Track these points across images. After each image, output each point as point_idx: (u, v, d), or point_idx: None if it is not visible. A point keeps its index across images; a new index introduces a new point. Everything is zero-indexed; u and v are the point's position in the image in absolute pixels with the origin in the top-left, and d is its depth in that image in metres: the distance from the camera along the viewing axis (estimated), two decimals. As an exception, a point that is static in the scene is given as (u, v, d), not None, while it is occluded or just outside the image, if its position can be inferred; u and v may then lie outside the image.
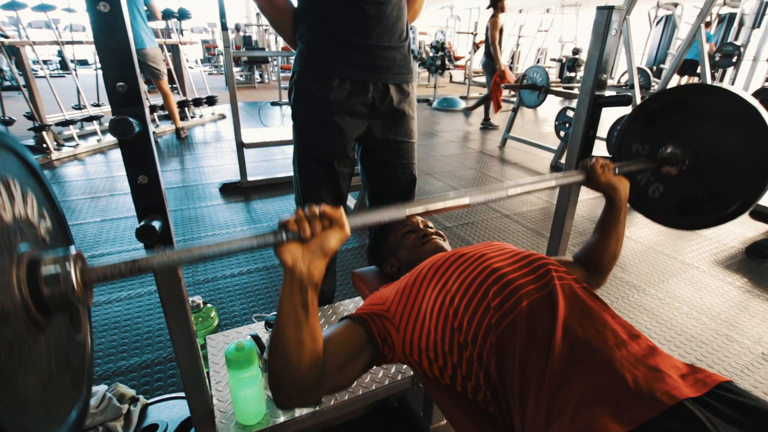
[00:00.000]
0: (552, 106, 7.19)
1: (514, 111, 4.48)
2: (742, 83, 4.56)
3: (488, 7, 4.77)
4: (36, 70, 4.71)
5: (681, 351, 1.58)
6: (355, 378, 0.71)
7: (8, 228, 0.42)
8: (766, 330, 1.71)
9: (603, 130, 2.30)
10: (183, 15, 4.69)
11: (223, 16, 2.63)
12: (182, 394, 1.25)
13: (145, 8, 3.69)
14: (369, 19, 1.13)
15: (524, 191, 0.78)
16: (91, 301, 0.47)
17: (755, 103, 0.83)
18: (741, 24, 6.28)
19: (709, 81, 3.33)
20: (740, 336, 1.67)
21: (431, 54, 7.83)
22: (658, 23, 8.28)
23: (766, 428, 0.49)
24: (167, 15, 4.59)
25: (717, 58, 4.85)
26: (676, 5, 6.87)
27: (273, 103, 6.74)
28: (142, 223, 0.67)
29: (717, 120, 0.90)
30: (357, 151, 1.38)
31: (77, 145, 3.85)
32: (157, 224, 0.68)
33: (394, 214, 0.64)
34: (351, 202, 2.76)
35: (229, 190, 3.07)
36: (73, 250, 0.46)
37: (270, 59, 9.40)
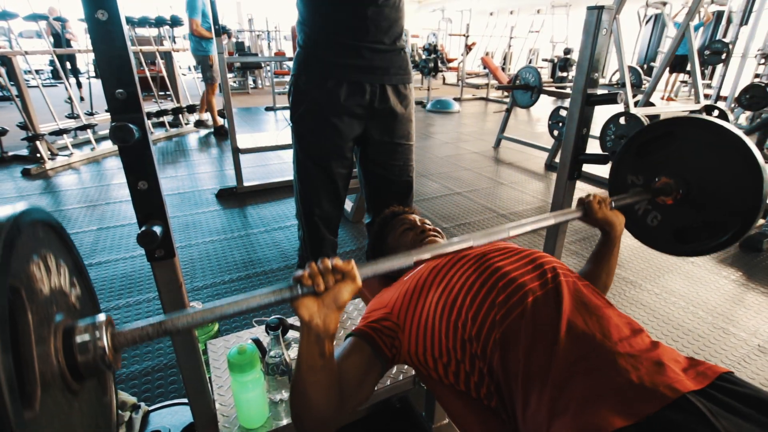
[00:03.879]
0: (545, 105, 7.23)
1: (508, 111, 4.50)
2: (731, 80, 4.61)
3: None
4: (28, 80, 4.67)
5: (678, 345, 1.60)
6: (372, 390, 0.74)
7: (46, 300, 0.44)
8: (761, 322, 1.73)
9: (596, 128, 2.32)
10: (175, 22, 4.70)
11: (216, 22, 2.64)
12: (184, 400, 1.25)
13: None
14: (366, 20, 1.13)
15: (525, 231, 0.80)
16: (119, 364, 0.49)
17: (741, 135, 0.85)
18: (729, 21, 6.36)
19: (698, 78, 3.36)
20: (736, 329, 1.69)
21: (424, 56, 7.88)
22: (647, 22, 8.36)
23: (767, 417, 0.50)
24: (160, 22, 4.60)
25: (706, 56, 4.90)
26: (665, 4, 6.93)
27: (267, 108, 6.74)
28: (143, 228, 0.67)
29: (706, 152, 0.92)
30: (356, 152, 1.38)
31: (71, 154, 3.83)
32: (158, 229, 0.68)
33: (403, 262, 0.67)
34: (347, 204, 2.77)
35: (225, 196, 3.06)
36: (102, 317, 0.48)
37: (263, 65, 9.41)
